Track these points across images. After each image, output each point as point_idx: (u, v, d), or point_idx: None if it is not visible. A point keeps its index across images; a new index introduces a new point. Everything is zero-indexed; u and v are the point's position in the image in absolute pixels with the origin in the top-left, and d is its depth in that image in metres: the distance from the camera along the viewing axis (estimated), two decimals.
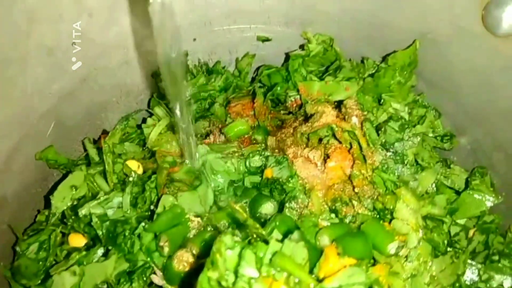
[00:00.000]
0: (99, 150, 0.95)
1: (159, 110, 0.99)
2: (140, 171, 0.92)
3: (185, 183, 0.87)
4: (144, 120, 1.01)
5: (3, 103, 0.80)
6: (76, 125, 0.98)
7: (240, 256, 0.60)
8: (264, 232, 0.67)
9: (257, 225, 0.67)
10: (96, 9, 0.87)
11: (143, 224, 0.77)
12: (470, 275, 0.77)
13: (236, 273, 0.59)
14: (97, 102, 1.00)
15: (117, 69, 0.99)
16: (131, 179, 0.88)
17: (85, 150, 0.98)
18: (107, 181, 0.88)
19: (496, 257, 0.79)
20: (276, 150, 0.94)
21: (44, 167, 0.93)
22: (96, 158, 0.95)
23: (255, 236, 0.68)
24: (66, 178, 0.88)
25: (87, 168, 0.91)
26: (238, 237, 0.62)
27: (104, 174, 0.89)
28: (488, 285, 0.76)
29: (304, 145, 0.90)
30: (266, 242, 0.63)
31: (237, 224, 0.80)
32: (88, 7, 0.87)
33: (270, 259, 0.60)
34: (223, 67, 1.09)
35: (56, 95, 0.90)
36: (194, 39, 1.03)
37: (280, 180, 0.83)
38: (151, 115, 1.01)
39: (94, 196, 0.84)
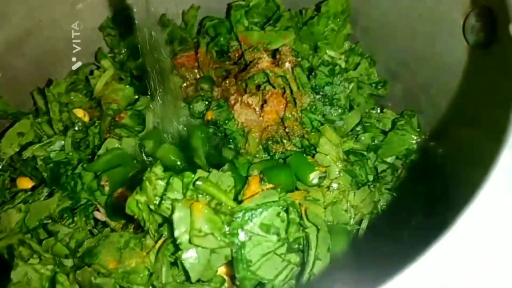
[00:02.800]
0: (47, 102, 0.98)
1: (104, 62, 1.02)
2: (86, 119, 0.96)
3: (129, 129, 0.92)
4: (91, 73, 1.04)
5: None
6: (25, 77, 1.01)
7: (168, 183, 0.65)
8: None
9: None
10: None
11: (82, 164, 0.81)
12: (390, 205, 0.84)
13: (162, 197, 0.64)
14: (45, 54, 1.02)
15: (62, 21, 1.01)
16: (76, 127, 0.93)
17: (34, 102, 1.02)
18: (53, 128, 0.92)
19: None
20: (222, 99, 0.99)
21: None
22: (44, 109, 0.98)
23: None
24: (13, 126, 0.91)
25: (35, 117, 0.95)
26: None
27: (49, 121, 0.93)
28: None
29: (244, 92, 0.95)
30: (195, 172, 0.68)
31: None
32: None
33: (194, 184, 0.66)
34: (169, 20, 1.11)
35: (1, 46, 0.92)
36: None
37: (218, 121, 0.88)
38: (98, 68, 1.05)
39: (39, 141, 0.88)
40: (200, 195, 0.66)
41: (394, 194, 0.85)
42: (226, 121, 0.89)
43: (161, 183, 0.66)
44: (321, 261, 0.68)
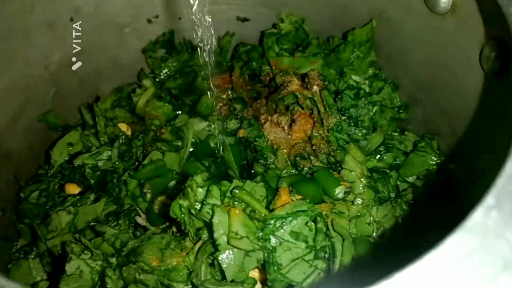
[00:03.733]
0: (93, 116, 1.08)
1: (146, 82, 1.12)
2: (129, 132, 1.04)
3: (169, 143, 1.00)
4: (134, 91, 1.14)
5: (7, 70, 0.91)
6: (73, 93, 1.10)
7: (207, 191, 0.73)
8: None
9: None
10: None
11: (129, 172, 0.89)
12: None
13: (202, 203, 0.71)
14: (92, 73, 1.12)
15: (110, 44, 1.11)
16: (121, 140, 1.01)
17: (81, 116, 1.11)
18: (99, 140, 1.01)
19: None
20: (253, 119, 1.06)
21: (45, 129, 1.06)
22: (91, 122, 1.07)
23: None
24: (63, 137, 1.00)
25: (83, 130, 1.04)
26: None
27: (96, 134, 1.02)
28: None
29: (274, 112, 1.02)
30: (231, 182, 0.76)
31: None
32: None
33: (231, 192, 0.73)
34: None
35: (55, 65, 1.02)
36: (179, 18, 1.15)
37: (249, 138, 0.95)
38: (140, 86, 1.14)
39: (87, 151, 0.96)
40: (236, 202, 0.73)
41: (414, 210, 0.90)
42: (257, 138, 0.96)
43: (201, 190, 0.74)
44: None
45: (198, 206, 0.72)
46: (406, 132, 1.04)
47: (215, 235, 0.68)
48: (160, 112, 1.08)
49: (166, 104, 1.10)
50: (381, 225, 0.86)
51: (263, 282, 0.78)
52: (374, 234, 0.83)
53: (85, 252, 0.74)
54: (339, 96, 0.96)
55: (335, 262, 0.74)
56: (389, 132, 1.03)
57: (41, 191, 0.95)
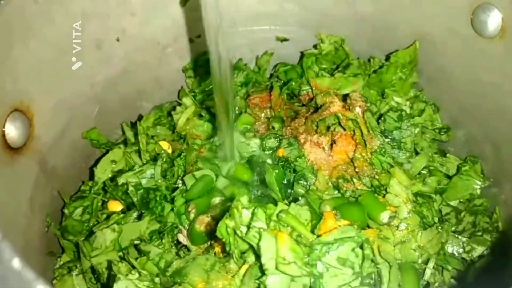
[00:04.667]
0: (135, 133, 1.10)
1: (186, 100, 1.13)
2: (170, 150, 1.05)
3: (210, 162, 1.00)
4: (174, 109, 1.15)
5: (56, 88, 0.94)
6: (116, 111, 1.13)
7: (253, 213, 0.73)
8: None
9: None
10: (138, 9, 1.02)
11: (180, 190, 0.90)
12: (456, 247, 0.88)
13: (248, 226, 0.71)
14: (135, 91, 1.14)
15: (152, 63, 1.14)
16: (163, 158, 1.03)
17: (123, 133, 1.13)
18: (141, 158, 1.03)
19: (480, 233, 0.89)
20: (290, 137, 1.07)
21: (88, 146, 1.08)
22: (132, 140, 1.09)
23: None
24: (107, 154, 1.02)
25: (125, 147, 1.06)
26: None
27: (138, 152, 1.04)
28: (470, 255, 0.86)
29: (314, 132, 1.02)
30: (276, 205, 0.76)
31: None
32: (131, 8, 1.01)
33: (277, 216, 0.73)
34: (245, 64, 1.22)
35: (100, 83, 1.05)
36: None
37: (289, 158, 0.95)
38: (180, 104, 1.16)
39: (130, 169, 0.98)
40: (282, 226, 0.73)
41: (460, 236, 0.89)
42: (297, 159, 0.96)
43: (247, 212, 0.74)
44: None
45: (244, 228, 0.72)
46: (447, 155, 1.03)
47: (263, 260, 0.68)
48: (200, 130, 1.09)
49: (206, 122, 1.11)
50: (425, 251, 0.84)
51: None
52: (420, 260, 0.81)
53: (132, 272, 0.75)
54: (382, 118, 0.96)
55: None
56: (430, 154, 1.02)
57: (84, 208, 0.97)
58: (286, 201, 0.85)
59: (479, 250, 0.86)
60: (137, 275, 0.74)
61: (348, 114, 0.95)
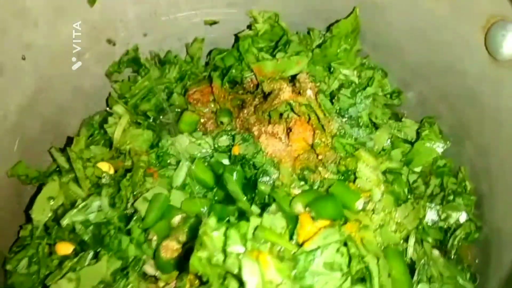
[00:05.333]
0: (68, 158, 0.96)
1: (117, 108, 1.01)
2: (111, 171, 0.94)
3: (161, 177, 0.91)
4: (106, 121, 1.02)
5: None
6: (40, 136, 0.99)
7: (225, 235, 0.65)
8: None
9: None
10: (40, 18, 0.87)
11: (134, 220, 0.80)
12: (431, 216, 0.87)
13: (224, 251, 0.64)
14: (56, 109, 1.00)
15: (70, 74, 0.99)
16: (104, 180, 0.92)
17: (54, 160, 0.99)
18: (80, 186, 0.91)
19: (451, 197, 0.88)
20: (241, 130, 0.99)
21: (17, 183, 0.94)
22: (66, 166, 0.96)
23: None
24: (41, 191, 0.89)
25: (60, 177, 0.93)
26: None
27: (76, 180, 0.91)
28: (446, 222, 0.86)
29: (267, 122, 0.95)
30: (247, 219, 0.69)
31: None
32: (32, 18, 0.86)
33: (253, 234, 0.66)
34: (175, 56, 1.10)
35: (15, 111, 0.90)
36: (145, 35, 1.04)
37: (247, 156, 0.88)
38: (111, 114, 1.03)
39: (72, 204, 0.86)
40: (261, 245, 0.66)
41: (433, 204, 0.87)
42: (255, 155, 0.89)
43: (217, 233, 0.66)
44: (385, 287, 0.70)
45: (218, 255, 0.65)
46: (403, 119, 1.00)
47: None
48: (141, 140, 0.98)
49: (145, 130, 1.00)
50: (404, 227, 0.82)
51: None
52: (401, 241, 0.79)
53: None
54: (335, 98, 0.90)
55: (373, 283, 0.70)
56: (385, 121, 0.99)
57: (29, 258, 0.85)
58: (255, 209, 0.80)
59: (454, 216, 0.85)
60: None
61: (301, 100, 0.89)
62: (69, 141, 0.99)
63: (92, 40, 0.98)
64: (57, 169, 0.98)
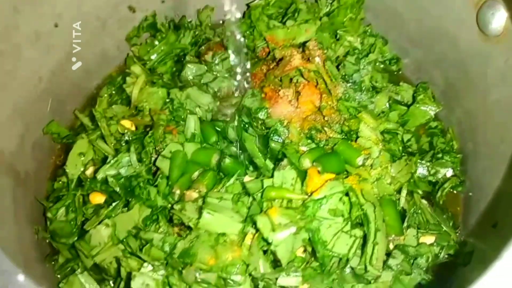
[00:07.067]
0: (91, 118, 1.06)
1: (135, 69, 1.09)
2: (133, 128, 1.03)
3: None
4: (125, 81, 1.10)
5: (5, 94, 0.88)
6: (68, 97, 1.07)
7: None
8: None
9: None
10: None
11: (160, 176, 0.90)
12: (421, 171, 0.98)
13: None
14: (83, 72, 1.08)
15: (95, 39, 1.07)
16: (127, 137, 1.00)
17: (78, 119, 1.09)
18: (107, 143, 1.00)
19: (440, 155, 1.00)
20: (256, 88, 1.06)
21: (51, 142, 1.04)
22: (90, 125, 1.05)
23: None
24: (73, 148, 0.99)
25: (87, 135, 1.02)
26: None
27: (102, 137, 1.01)
28: (435, 177, 0.97)
29: (278, 87, 1.04)
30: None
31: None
32: None
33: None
34: (190, 21, 1.17)
35: (48, 75, 0.98)
36: (163, 1, 1.11)
37: (251, 109, 0.97)
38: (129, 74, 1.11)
39: (103, 160, 0.96)
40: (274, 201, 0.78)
41: (424, 161, 0.99)
42: (258, 110, 0.98)
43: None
44: (380, 231, 0.82)
45: None
46: (400, 83, 1.10)
47: (265, 236, 0.73)
48: (156, 98, 1.06)
49: (160, 88, 1.07)
50: (397, 181, 0.93)
51: None
52: (395, 192, 0.91)
53: (144, 265, 0.78)
54: (341, 64, 0.99)
55: (370, 227, 0.82)
56: (384, 85, 1.09)
57: (67, 207, 0.95)
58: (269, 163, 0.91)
59: (442, 171, 0.97)
60: (149, 267, 0.77)
61: (310, 66, 0.98)
62: (89, 102, 1.07)
63: (114, 7, 1.05)
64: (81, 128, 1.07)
